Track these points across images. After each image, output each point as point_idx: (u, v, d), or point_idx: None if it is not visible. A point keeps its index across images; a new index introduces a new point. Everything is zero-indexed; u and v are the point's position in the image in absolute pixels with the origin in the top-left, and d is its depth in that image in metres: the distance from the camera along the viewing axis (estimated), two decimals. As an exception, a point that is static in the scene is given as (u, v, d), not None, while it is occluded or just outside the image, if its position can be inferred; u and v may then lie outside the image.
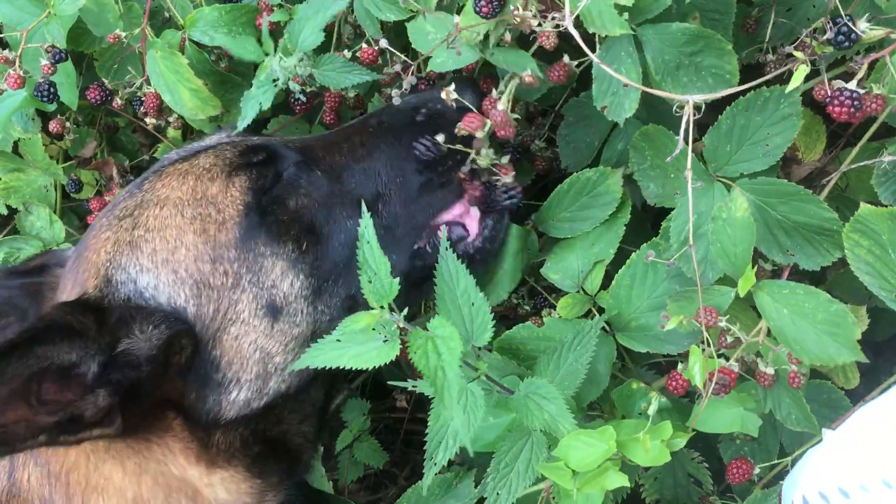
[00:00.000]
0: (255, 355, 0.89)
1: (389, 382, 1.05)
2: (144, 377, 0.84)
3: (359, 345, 0.81)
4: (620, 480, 0.84)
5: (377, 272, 0.79)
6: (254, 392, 0.91)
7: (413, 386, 0.92)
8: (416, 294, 1.04)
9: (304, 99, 1.03)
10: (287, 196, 0.93)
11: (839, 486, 0.78)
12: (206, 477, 0.92)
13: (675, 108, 0.82)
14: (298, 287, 0.91)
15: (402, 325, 0.80)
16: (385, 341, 0.81)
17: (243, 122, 1.02)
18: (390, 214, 0.98)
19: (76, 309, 0.83)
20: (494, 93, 1.04)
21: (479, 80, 1.10)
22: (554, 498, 1.01)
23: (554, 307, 1.08)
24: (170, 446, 0.90)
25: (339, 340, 0.82)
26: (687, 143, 0.78)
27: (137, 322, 0.84)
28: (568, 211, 1.05)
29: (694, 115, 0.79)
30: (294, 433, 1.00)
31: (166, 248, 0.88)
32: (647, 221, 1.17)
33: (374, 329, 0.81)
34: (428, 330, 0.79)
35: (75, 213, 1.49)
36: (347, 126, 1.06)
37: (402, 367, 1.61)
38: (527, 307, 1.14)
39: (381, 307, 0.79)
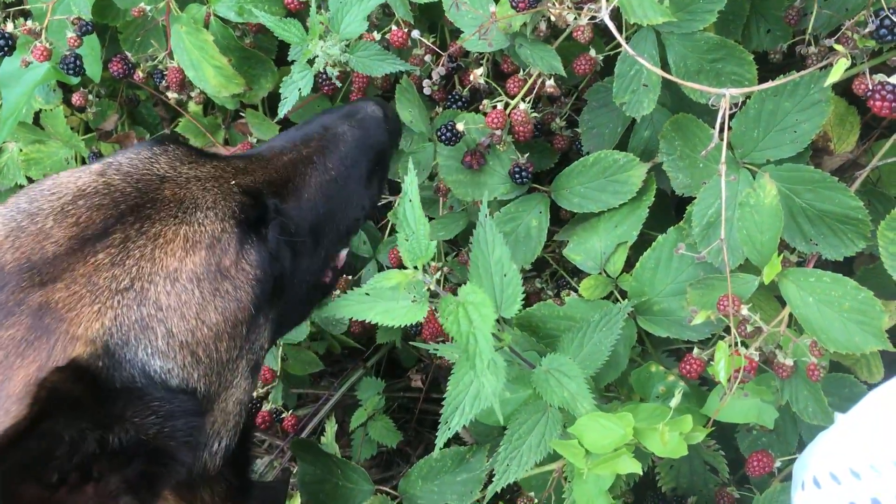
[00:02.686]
0: (236, 409, 0.85)
1: (412, 343, 1.06)
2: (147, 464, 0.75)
3: (387, 301, 0.82)
4: (633, 467, 0.84)
5: (416, 231, 0.78)
6: (231, 436, 0.86)
7: (434, 349, 0.93)
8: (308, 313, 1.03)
9: (336, 81, 1.02)
10: (282, 260, 0.87)
11: (850, 467, 0.78)
12: None
13: (710, 101, 0.82)
14: (269, 339, 0.87)
15: (432, 288, 0.80)
16: (414, 301, 0.81)
17: (284, 107, 1.01)
18: (326, 248, 0.94)
19: (67, 375, 0.68)
20: (521, 73, 1.04)
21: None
22: (566, 478, 1.02)
23: (574, 289, 1.08)
24: None
25: (367, 294, 0.82)
26: (722, 137, 0.78)
27: (142, 406, 0.74)
28: (584, 186, 1.05)
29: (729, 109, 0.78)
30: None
31: (185, 328, 0.78)
32: (670, 206, 1.17)
33: (403, 288, 0.81)
34: (458, 296, 0.79)
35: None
36: (287, 153, 0.94)
37: (416, 348, 1.62)
38: (550, 292, 1.13)
39: (415, 267, 0.79)
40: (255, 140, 1.31)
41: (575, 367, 0.89)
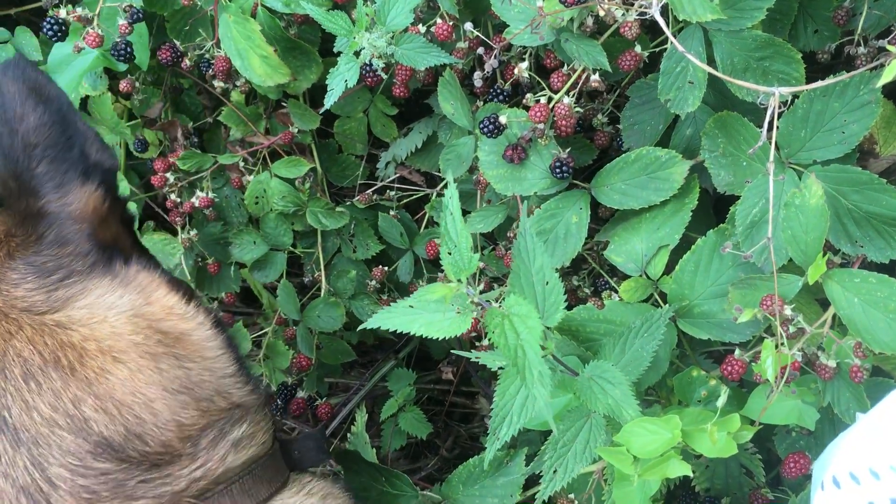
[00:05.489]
0: None
1: (453, 351, 1.06)
2: None
3: (431, 314, 0.82)
4: (683, 469, 0.84)
5: (458, 245, 0.79)
6: None
7: (476, 357, 0.93)
8: None
9: (381, 73, 1.03)
10: None
11: (870, 467, 0.77)
12: None
13: (759, 100, 0.81)
14: None
15: (476, 301, 0.80)
16: (458, 314, 0.81)
17: (331, 98, 1.02)
18: None
19: None
20: (564, 68, 1.04)
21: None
22: (606, 480, 1.02)
23: (615, 290, 1.08)
24: None
25: (411, 307, 0.82)
26: (770, 136, 0.77)
27: None
28: (624, 182, 1.04)
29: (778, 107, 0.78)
30: None
31: None
32: (709, 206, 1.16)
33: (448, 301, 0.81)
34: (502, 307, 0.79)
35: (136, 172, 1.52)
36: None
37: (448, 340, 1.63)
38: (587, 290, 1.13)
39: (459, 280, 0.79)
40: (296, 130, 1.32)
41: (618, 374, 0.89)
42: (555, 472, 0.92)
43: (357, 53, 1.01)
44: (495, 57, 1.05)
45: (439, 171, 1.40)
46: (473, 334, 1.28)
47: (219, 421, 0.80)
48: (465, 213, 1.35)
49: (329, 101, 1.02)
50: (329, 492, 0.89)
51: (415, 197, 1.41)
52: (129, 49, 1.12)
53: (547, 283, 0.89)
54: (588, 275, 1.18)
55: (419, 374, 1.65)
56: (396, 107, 1.36)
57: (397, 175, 1.42)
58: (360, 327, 0.89)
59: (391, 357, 1.66)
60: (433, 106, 1.29)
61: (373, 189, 1.40)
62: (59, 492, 0.71)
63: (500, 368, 1.16)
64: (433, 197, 1.36)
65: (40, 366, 0.73)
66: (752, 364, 0.93)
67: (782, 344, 0.86)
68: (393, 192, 1.40)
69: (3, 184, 0.78)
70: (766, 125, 0.78)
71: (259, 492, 0.81)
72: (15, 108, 0.77)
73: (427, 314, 0.83)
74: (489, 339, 0.78)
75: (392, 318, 0.84)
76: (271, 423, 0.89)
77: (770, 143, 0.79)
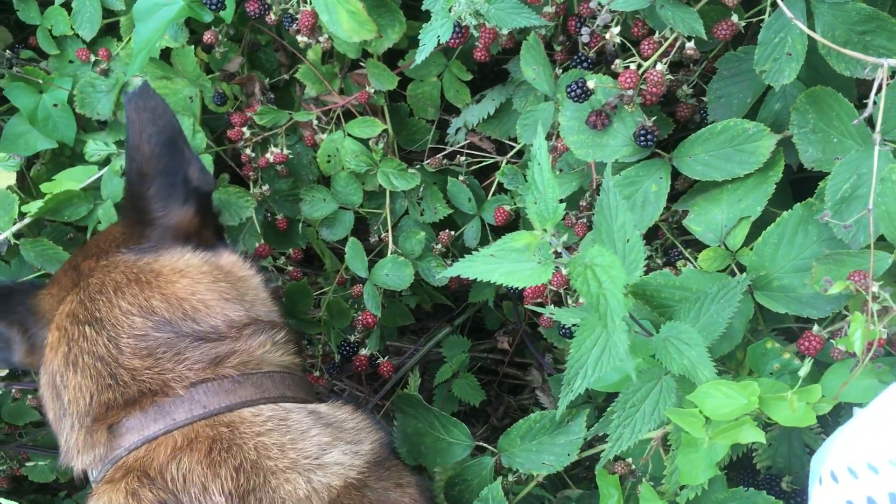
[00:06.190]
0: None
1: (528, 306, 1.07)
2: None
3: (512, 263, 0.83)
4: (756, 435, 0.84)
5: (544, 194, 0.79)
6: None
7: (551, 313, 0.94)
8: None
9: (473, 30, 1.03)
10: None
11: (868, 461, 0.77)
12: None
13: (865, 70, 0.80)
14: None
15: (558, 251, 0.81)
16: (539, 264, 0.82)
17: (422, 54, 1.03)
18: None
19: None
20: (656, 35, 1.04)
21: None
22: (671, 446, 1.02)
23: (689, 260, 1.08)
24: None
25: (492, 255, 0.83)
26: (876, 112, 0.76)
27: None
28: (708, 153, 1.04)
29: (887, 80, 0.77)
30: None
31: None
32: (786, 183, 1.15)
33: (529, 250, 0.82)
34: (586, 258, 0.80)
35: (207, 127, 1.54)
36: None
37: (502, 308, 1.64)
38: (658, 261, 1.13)
39: (544, 230, 0.80)
40: (372, 91, 1.33)
41: (695, 335, 0.89)
42: (621, 433, 0.93)
43: (450, 10, 1.01)
44: (585, 24, 1.05)
45: (510, 139, 1.40)
46: (538, 300, 1.29)
47: (261, 323, 1.00)
48: (535, 181, 1.35)
49: (420, 57, 1.03)
50: (357, 413, 1.02)
51: (484, 164, 1.41)
52: (221, -1, 1.13)
53: (628, 240, 0.89)
54: (661, 246, 1.18)
55: (473, 342, 1.66)
56: (470, 73, 1.36)
57: (467, 141, 1.43)
58: (441, 275, 0.91)
59: (445, 325, 1.68)
60: (512, 72, 1.29)
61: (443, 154, 1.41)
62: (124, 354, 0.93)
63: (565, 335, 1.17)
64: (503, 164, 1.37)
65: (126, 283, 0.98)
66: (830, 341, 0.92)
67: (870, 320, 0.86)
68: (462, 158, 1.41)
69: (125, 202, 1.06)
70: (872, 98, 0.78)
71: (297, 394, 0.98)
72: (135, 139, 1.00)
73: (508, 263, 0.83)
74: (571, 289, 0.78)
75: (473, 266, 0.85)
76: (302, 356, 1.10)
77: (877, 115, 0.78)
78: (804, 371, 0.83)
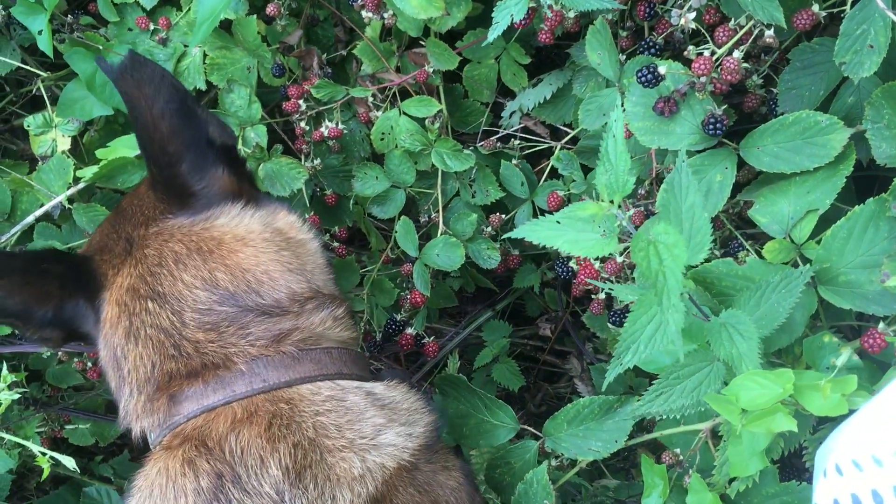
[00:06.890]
0: None
1: (590, 280, 1.06)
2: None
3: (576, 232, 0.82)
4: (788, 424, 0.82)
5: (615, 166, 0.79)
6: None
7: (609, 289, 0.93)
8: None
9: (548, 13, 1.02)
10: None
11: (872, 455, 0.77)
12: None
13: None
14: None
15: (624, 224, 0.80)
16: (603, 235, 0.81)
17: (494, 32, 1.02)
18: None
19: None
20: (731, 23, 1.02)
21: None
22: (720, 436, 1.01)
23: (749, 252, 1.07)
24: None
25: (558, 222, 0.83)
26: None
27: None
28: (777, 145, 1.03)
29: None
30: None
31: None
32: (850, 178, 1.14)
33: (597, 221, 0.82)
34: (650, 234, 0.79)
35: (261, 101, 1.54)
36: None
37: (544, 296, 1.63)
38: (717, 252, 1.12)
39: (611, 202, 0.80)
40: (431, 70, 1.33)
41: (751, 327, 0.88)
42: (656, 397, 0.93)
43: (525, -10, 1.01)
44: (673, 7, 1.04)
45: (565, 125, 1.39)
46: (584, 289, 1.28)
47: (322, 297, 1.00)
48: (590, 169, 1.34)
49: (492, 35, 1.02)
50: (411, 393, 1.01)
51: (538, 149, 1.40)
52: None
53: (695, 221, 0.88)
54: (720, 237, 1.17)
55: (514, 328, 1.66)
56: (528, 56, 1.35)
57: (521, 125, 1.42)
58: (506, 235, 0.92)
59: (486, 309, 1.68)
60: (574, 56, 1.28)
61: (497, 136, 1.40)
62: (188, 328, 0.93)
63: (615, 323, 1.16)
64: (558, 149, 1.36)
65: (186, 254, 0.97)
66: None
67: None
68: (516, 142, 1.40)
69: (158, 186, 1.02)
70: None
71: (353, 370, 0.98)
72: (145, 118, 0.95)
73: (573, 232, 0.83)
74: (630, 262, 0.78)
75: (539, 231, 0.85)
76: (358, 331, 1.11)
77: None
78: (842, 360, 0.82)
